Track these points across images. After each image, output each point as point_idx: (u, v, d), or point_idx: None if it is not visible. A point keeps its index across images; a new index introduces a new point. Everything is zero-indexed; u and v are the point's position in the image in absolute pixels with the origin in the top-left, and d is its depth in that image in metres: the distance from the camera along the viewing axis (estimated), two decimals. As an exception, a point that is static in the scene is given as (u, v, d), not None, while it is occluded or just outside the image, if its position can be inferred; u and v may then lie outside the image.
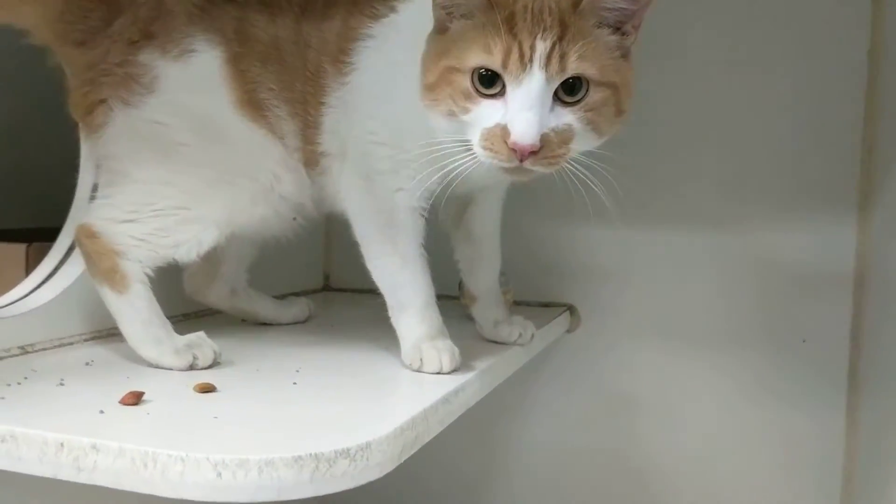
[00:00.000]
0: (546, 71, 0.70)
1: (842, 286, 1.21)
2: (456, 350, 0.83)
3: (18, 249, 1.00)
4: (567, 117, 0.73)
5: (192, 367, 0.81)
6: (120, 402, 0.67)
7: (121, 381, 0.75)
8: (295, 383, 0.77)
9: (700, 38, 1.26)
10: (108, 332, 0.95)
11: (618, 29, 0.76)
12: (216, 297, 1.07)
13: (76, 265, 0.93)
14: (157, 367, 0.81)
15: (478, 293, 1.01)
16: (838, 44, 1.19)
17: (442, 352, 0.82)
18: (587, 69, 0.72)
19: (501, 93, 0.72)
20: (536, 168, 0.72)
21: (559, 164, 0.73)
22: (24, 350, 0.85)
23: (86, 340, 0.92)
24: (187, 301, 1.07)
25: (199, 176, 0.88)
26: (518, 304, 1.29)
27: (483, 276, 1.01)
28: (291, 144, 0.90)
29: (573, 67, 0.71)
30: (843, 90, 1.19)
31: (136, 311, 0.83)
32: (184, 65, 0.87)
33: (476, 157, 0.73)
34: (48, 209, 1.33)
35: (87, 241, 0.84)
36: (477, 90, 0.73)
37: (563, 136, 0.72)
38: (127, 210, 0.86)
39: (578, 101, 0.73)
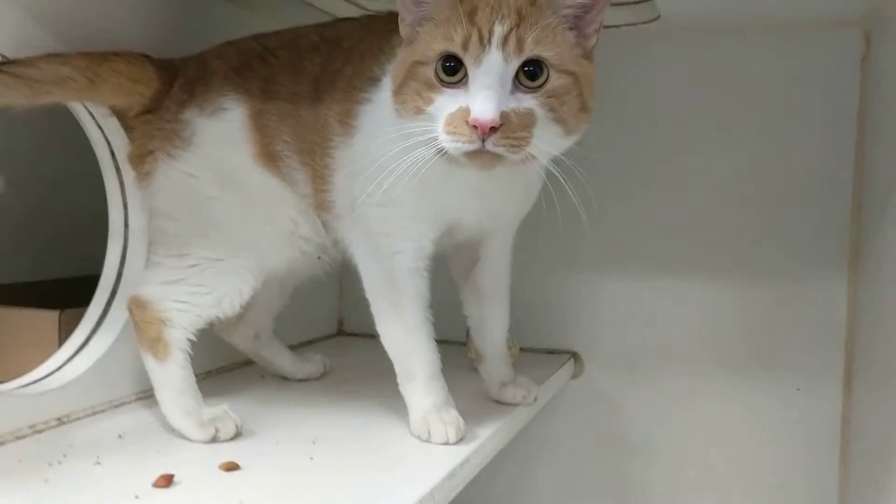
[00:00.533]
0: (503, 51, 0.73)
1: (834, 337, 1.27)
2: (461, 421, 0.89)
3: (51, 317, 1.06)
4: (528, 101, 0.75)
5: (213, 440, 0.87)
6: (153, 486, 0.73)
7: (152, 457, 0.82)
8: (312, 458, 0.83)
9: (695, 100, 1.31)
10: (135, 398, 1.02)
11: (577, 28, 0.79)
12: (240, 338, 1.13)
13: (108, 334, 0.99)
14: (181, 436, 0.87)
15: (485, 353, 1.06)
16: (829, 108, 1.25)
17: (448, 425, 0.87)
18: (544, 52, 0.75)
19: (464, 82, 0.75)
20: (499, 150, 0.73)
21: (522, 147, 0.74)
22: (60, 421, 0.91)
23: (116, 407, 0.99)
24: (212, 357, 1.14)
25: (228, 227, 0.94)
26: (524, 351, 1.35)
27: (492, 336, 1.05)
28: (301, 191, 0.96)
29: (530, 49, 0.74)
30: (834, 152, 1.25)
31: (173, 379, 0.90)
32: (216, 121, 0.94)
33: (440, 146, 0.75)
34: (79, 259, 1.41)
35: (137, 311, 0.92)
36: (440, 80, 0.76)
37: (524, 119, 0.74)
38: (168, 268, 0.93)
39: (539, 88, 0.75)
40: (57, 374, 0.95)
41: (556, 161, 0.81)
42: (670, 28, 1.25)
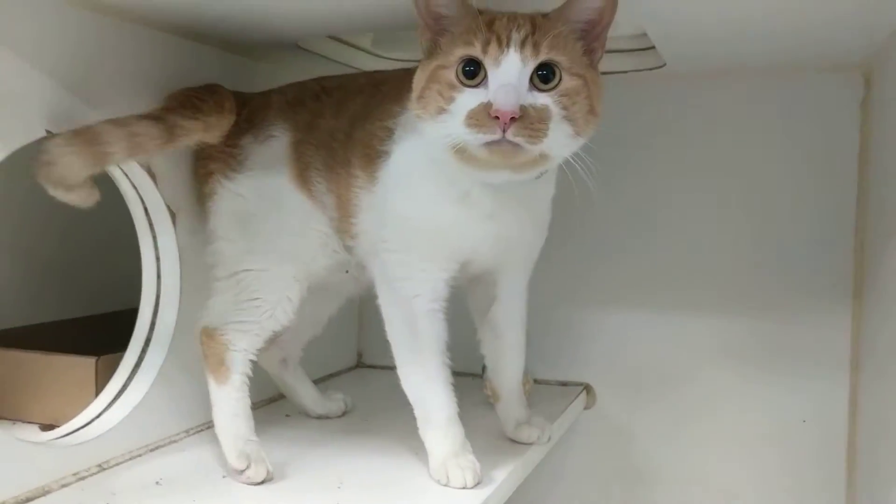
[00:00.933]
0: (521, 53, 0.79)
1: (839, 369, 1.30)
2: (477, 466, 0.93)
3: (88, 363, 1.12)
4: (544, 99, 0.80)
5: (241, 473, 0.93)
6: (192, 537, 0.78)
7: (189, 504, 0.87)
8: (338, 503, 0.88)
9: (700, 141, 1.37)
10: (169, 441, 1.07)
11: (585, 42, 0.85)
12: (268, 360, 1.17)
13: (144, 381, 1.05)
14: (224, 454, 0.95)
15: (502, 392, 1.10)
16: (831, 148, 1.29)
17: (465, 470, 0.92)
18: (557, 56, 0.81)
19: (484, 82, 0.80)
20: (518, 139, 0.78)
21: (539, 139, 0.79)
22: (101, 468, 0.97)
23: (151, 451, 1.04)
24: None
25: (270, 240, 1.03)
26: (538, 383, 1.40)
27: (508, 375, 1.10)
28: (330, 213, 1.03)
29: (545, 53, 0.80)
30: (836, 191, 1.29)
31: (229, 403, 0.99)
32: (265, 147, 1.04)
33: (465, 142, 0.80)
34: (108, 295, 1.47)
35: (205, 340, 1.01)
36: (461, 81, 0.81)
37: (541, 113, 0.79)
38: (224, 290, 1.03)
39: (553, 88, 0.81)
40: (96, 422, 1.00)
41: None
42: (674, 73, 1.30)
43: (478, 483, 0.93)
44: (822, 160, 1.30)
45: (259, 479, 0.93)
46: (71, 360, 1.14)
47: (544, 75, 0.81)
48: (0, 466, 0.85)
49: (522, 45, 0.80)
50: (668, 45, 1.14)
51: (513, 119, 0.77)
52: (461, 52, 0.81)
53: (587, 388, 1.44)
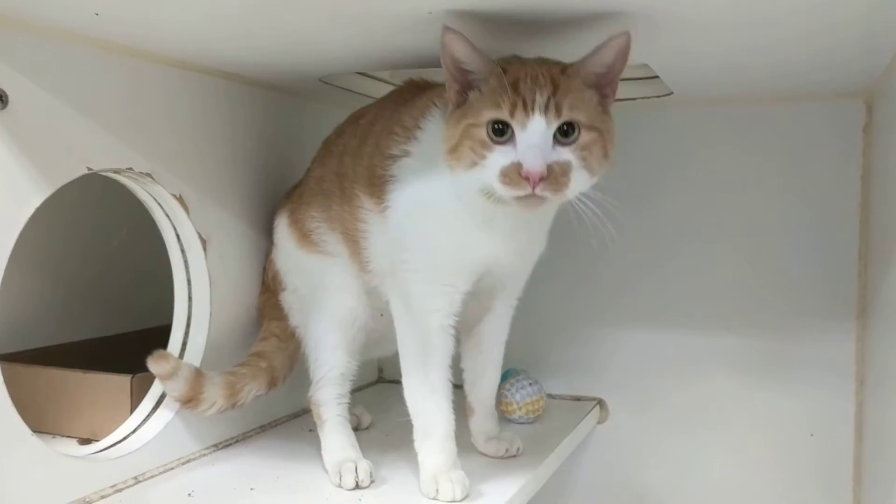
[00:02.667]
0: (545, 116, 0.87)
1: (845, 385, 1.34)
2: (467, 482, 0.98)
3: (123, 381, 1.18)
4: (566, 154, 0.88)
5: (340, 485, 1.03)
6: (223, 546, 0.84)
7: (219, 516, 0.93)
8: (359, 515, 0.94)
9: (708, 167, 1.41)
10: (199, 455, 1.14)
11: (598, 90, 0.92)
12: None
13: (174, 401, 1.11)
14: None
15: (476, 406, 1.16)
16: (834, 173, 1.34)
17: (455, 484, 0.97)
18: (577, 115, 0.88)
19: (511, 140, 0.88)
20: (546, 194, 0.87)
21: (563, 191, 0.88)
22: (136, 480, 1.03)
23: (183, 464, 1.11)
24: (263, 412, 1.25)
25: (313, 309, 1.14)
26: (552, 398, 1.45)
27: (484, 389, 1.16)
28: (342, 256, 1.11)
29: (566, 114, 0.87)
30: (840, 215, 1.34)
31: (330, 440, 1.10)
32: (276, 231, 1.20)
33: (497, 193, 0.88)
34: (143, 313, 1.54)
35: (314, 409, 1.14)
36: (491, 139, 0.88)
37: (564, 168, 0.88)
38: (311, 361, 1.15)
39: (573, 142, 0.89)
40: (132, 437, 1.07)
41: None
42: (682, 100, 1.35)
43: (466, 496, 0.97)
44: (826, 184, 1.34)
45: (350, 486, 1.02)
46: (107, 378, 1.20)
47: (565, 131, 0.89)
48: (44, 479, 0.91)
49: (546, 107, 0.87)
50: (672, 75, 1.19)
51: (541, 178, 0.85)
52: (490, 114, 0.88)
53: (600, 403, 1.48)
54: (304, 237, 1.15)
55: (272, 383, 1.18)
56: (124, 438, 1.07)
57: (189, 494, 1.00)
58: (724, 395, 1.42)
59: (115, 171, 1.02)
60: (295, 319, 1.19)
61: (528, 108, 0.87)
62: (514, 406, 1.31)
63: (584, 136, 0.89)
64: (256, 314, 1.25)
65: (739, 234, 1.40)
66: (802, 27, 0.91)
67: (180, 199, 1.09)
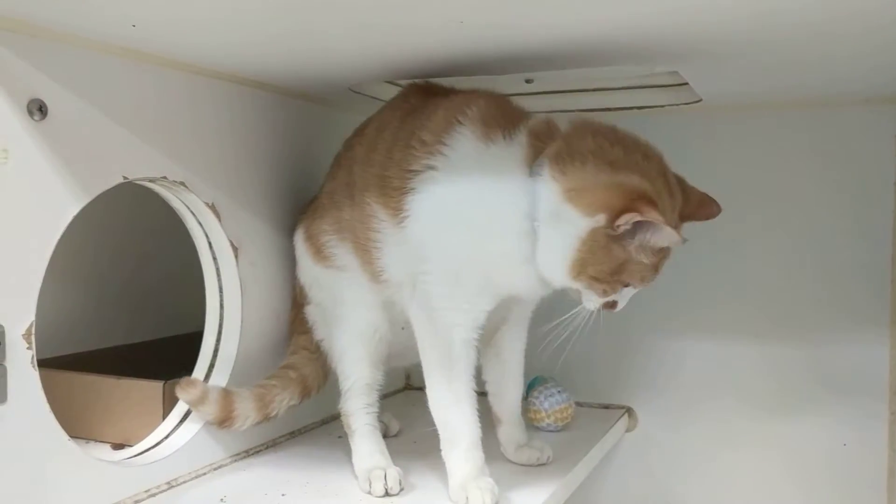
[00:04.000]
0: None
1: (878, 395, 1.33)
2: (496, 488, 0.98)
3: (156, 387, 1.19)
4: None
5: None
6: (256, 551, 0.85)
7: (251, 521, 0.94)
8: (390, 523, 0.95)
9: (739, 174, 1.40)
10: (231, 460, 1.15)
11: None
12: None
13: (207, 405, 1.12)
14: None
15: (503, 416, 1.17)
16: (865, 179, 1.33)
17: (484, 491, 0.97)
18: None
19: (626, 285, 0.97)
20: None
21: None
22: (170, 485, 1.04)
23: (215, 469, 1.12)
24: (295, 419, 1.26)
25: (336, 324, 1.16)
26: (580, 406, 1.44)
27: (509, 398, 1.16)
28: (354, 268, 1.12)
29: None
30: (872, 220, 1.33)
31: (360, 448, 1.11)
32: (297, 249, 1.21)
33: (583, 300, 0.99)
34: (172, 319, 1.56)
35: (343, 419, 1.15)
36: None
37: None
38: (338, 373, 1.16)
39: None
40: (165, 443, 1.08)
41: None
42: (711, 107, 1.34)
43: None
44: (858, 191, 1.33)
45: (379, 494, 1.03)
46: (140, 383, 1.21)
47: None
48: (80, 484, 0.93)
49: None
50: (702, 83, 1.19)
51: None
52: (637, 285, 0.98)
53: (629, 412, 1.48)
54: (318, 252, 1.16)
55: (305, 392, 1.20)
56: (157, 444, 1.08)
57: (221, 500, 1.01)
58: (754, 404, 1.41)
59: (150, 181, 1.03)
60: (319, 333, 1.21)
61: (653, 280, 0.97)
62: (543, 414, 1.31)
63: None
64: (287, 326, 1.26)
65: (770, 243, 1.39)
66: (836, 33, 0.91)
67: (213, 207, 1.10)
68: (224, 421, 1.10)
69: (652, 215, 0.88)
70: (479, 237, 0.98)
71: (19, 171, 0.85)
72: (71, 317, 1.46)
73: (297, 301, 1.24)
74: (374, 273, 1.09)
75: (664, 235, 0.91)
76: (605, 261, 0.93)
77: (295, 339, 1.24)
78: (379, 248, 1.07)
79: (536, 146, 0.98)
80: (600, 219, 0.90)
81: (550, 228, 0.94)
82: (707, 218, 1.04)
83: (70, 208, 0.90)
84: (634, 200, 0.89)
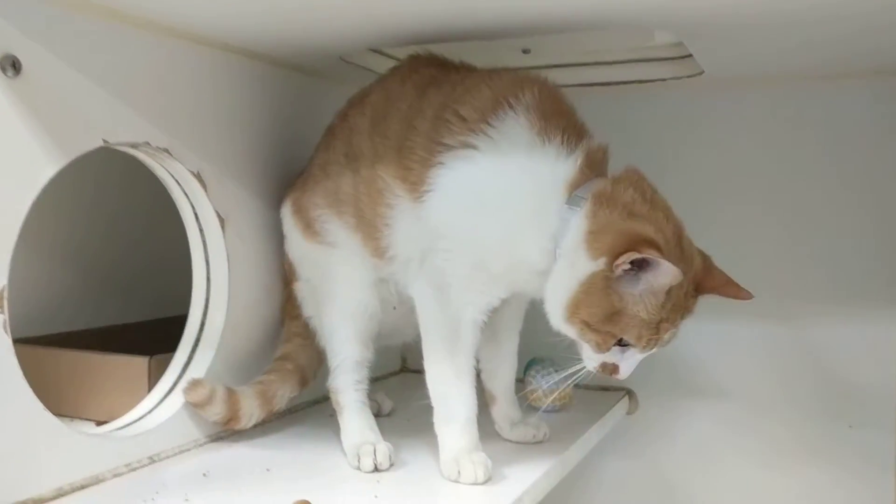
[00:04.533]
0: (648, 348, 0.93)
1: (885, 376, 1.29)
2: (489, 463, 0.96)
3: (141, 362, 1.17)
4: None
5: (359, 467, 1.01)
6: (236, 523, 0.82)
7: (233, 494, 0.91)
8: (376, 496, 0.91)
9: (742, 147, 1.37)
10: (216, 437, 1.12)
11: None
12: None
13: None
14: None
15: (497, 393, 1.14)
16: (875, 152, 1.29)
17: (477, 465, 0.94)
18: None
19: (624, 344, 0.92)
20: None
21: None
22: (151, 460, 1.01)
23: (199, 446, 1.08)
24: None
25: (325, 300, 1.13)
26: (578, 388, 1.40)
27: (503, 377, 1.14)
28: (348, 244, 1.09)
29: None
30: (882, 193, 1.29)
31: (349, 424, 1.08)
32: (285, 223, 1.18)
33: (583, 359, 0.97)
34: (162, 301, 1.53)
35: (332, 396, 1.11)
36: (616, 342, 0.92)
37: None
38: (327, 351, 1.14)
39: None
40: (148, 417, 1.05)
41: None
42: (713, 80, 1.30)
43: (488, 479, 0.94)
44: (867, 167, 1.29)
45: (368, 469, 0.99)
46: (125, 359, 1.19)
47: None
48: (56, 455, 0.90)
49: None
50: (706, 54, 1.15)
51: None
52: (631, 340, 0.92)
53: (629, 394, 1.44)
54: (308, 227, 1.13)
55: (303, 382, 1.18)
56: (140, 418, 1.05)
57: (204, 474, 0.98)
58: (757, 387, 1.37)
59: (132, 146, 1.00)
60: (308, 310, 1.18)
61: (653, 345, 0.92)
62: (541, 393, 1.27)
63: None
64: (279, 307, 1.24)
65: (774, 221, 1.35)
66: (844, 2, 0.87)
67: (198, 177, 1.07)
68: (231, 420, 1.09)
69: (650, 252, 0.85)
70: (507, 232, 0.96)
71: (-9, 128, 0.82)
72: (57, 296, 1.44)
73: (287, 281, 1.21)
74: (377, 249, 1.06)
75: (663, 271, 0.86)
76: (599, 304, 0.89)
77: (287, 324, 1.21)
78: (389, 225, 1.03)
79: (585, 173, 0.94)
80: (601, 262, 0.88)
81: (565, 263, 0.92)
82: (734, 297, 1.00)
83: (46, 169, 0.87)
84: (637, 242, 0.86)
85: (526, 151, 0.95)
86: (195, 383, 1.07)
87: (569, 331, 0.93)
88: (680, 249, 0.92)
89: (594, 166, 0.95)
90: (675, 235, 0.92)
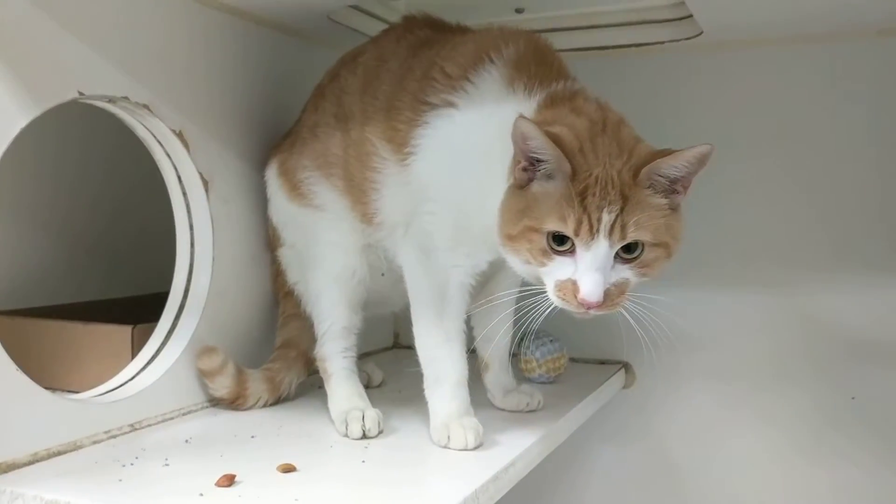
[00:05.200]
0: (609, 238, 0.81)
1: (889, 347, 1.26)
2: (480, 428, 0.92)
3: (125, 331, 1.13)
4: (625, 272, 0.84)
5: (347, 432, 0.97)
6: (216, 485, 0.78)
7: (216, 459, 0.88)
8: (364, 462, 0.88)
9: (743, 114, 1.33)
10: (201, 406, 1.08)
11: (671, 188, 0.85)
12: None
13: (176, 347, 1.06)
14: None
15: (491, 362, 1.10)
16: (878, 116, 1.25)
17: (468, 430, 0.91)
18: (642, 235, 0.83)
19: (571, 250, 0.83)
20: (605, 310, 0.84)
21: (618, 308, 0.85)
22: (133, 427, 0.98)
23: (183, 415, 1.05)
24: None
25: (310, 265, 1.10)
26: (575, 362, 1.37)
27: (497, 342, 1.09)
28: (335, 208, 1.06)
29: (631, 235, 0.82)
30: (886, 162, 1.25)
31: (337, 392, 1.05)
32: (269, 186, 1.15)
33: (551, 301, 0.85)
34: (148, 277, 1.50)
35: (319, 364, 1.09)
36: (552, 248, 0.83)
37: (621, 288, 0.84)
38: (314, 317, 1.10)
39: (635, 258, 0.84)
40: (130, 384, 1.02)
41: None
42: (712, 42, 1.27)
43: (479, 445, 0.91)
44: (872, 130, 1.25)
45: (356, 436, 0.96)
46: (108, 328, 1.15)
47: (628, 247, 0.83)
48: (32, 419, 0.86)
49: (611, 229, 0.81)
50: (706, 12, 1.12)
51: (597, 304, 0.82)
52: (554, 226, 0.82)
53: (626, 367, 1.41)
54: (295, 189, 1.10)
55: (308, 365, 1.15)
56: (122, 385, 1.02)
57: (186, 441, 0.95)
58: (757, 358, 1.34)
59: (110, 100, 0.96)
60: (293, 276, 1.15)
61: (593, 230, 0.81)
62: (535, 364, 1.24)
63: (648, 253, 0.84)
64: (269, 279, 1.21)
65: (776, 187, 1.32)
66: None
67: (180, 136, 1.04)
68: (237, 398, 1.07)
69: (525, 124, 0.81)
70: (481, 188, 0.91)
71: (-42, 73, 0.78)
72: (41, 269, 1.40)
73: (272, 248, 1.18)
74: (365, 214, 1.03)
75: (523, 131, 0.81)
76: (512, 208, 0.85)
77: (283, 304, 1.18)
78: (376, 189, 1.01)
79: (544, 115, 0.90)
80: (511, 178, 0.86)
81: None
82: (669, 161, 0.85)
83: (18, 119, 0.83)
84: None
85: (495, 104, 0.92)
86: (208, 349, 1.05)
87: (511, 259, 0.88)
88: (600, 139, 0.85)
89: (554, 104, 0.91)
90: (588, 129, 0.86)
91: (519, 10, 1.19)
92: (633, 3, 1.22)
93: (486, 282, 1.06)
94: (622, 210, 0.81)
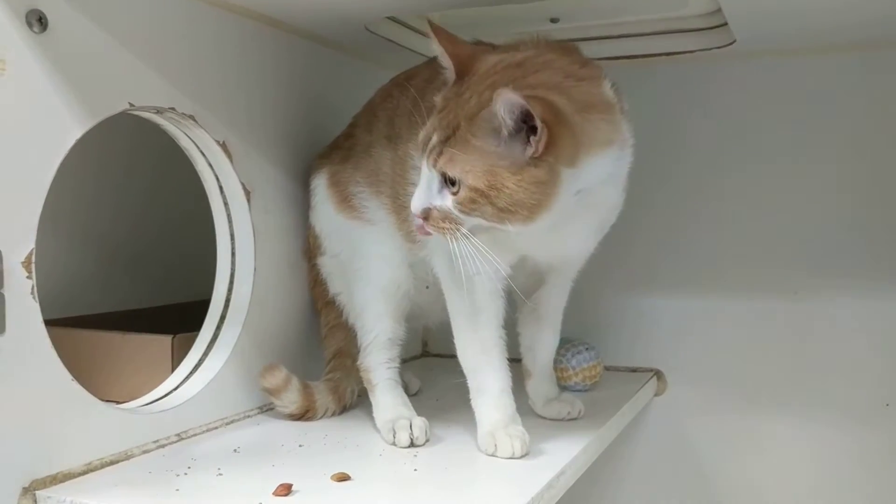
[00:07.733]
0: (428, 161, 0.84)
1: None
2: (526, 436, 0.93)
3: (164, 341, 1.14)
4: (448, 201, 0.84)
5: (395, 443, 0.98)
6: (273, 495, 0.79)
7: (268, 469, 0.88)
8: (416, 469, 0.88)
9: (771, 122, 1.33)
10: (244, 416, 1.09)
11: (522, 140, 0.80)
12: None
13: (219, 357, 1.06)
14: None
15: (533, 370, 1.11)
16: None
17: (514, 439, 0.92)
18: (451, 170, 0.82)
19: None
20: (432, 230, 0.86)
21: (449, 233, 0.85)
22: (179, 437, 0.98)
23: (227, 424, 1.05)
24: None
25: (357, 277, 1.10)
26: (608, 370, 1.37)
27: (541, 354, 1.11)
28: (383, 224, 1.07)
29: (440, 166, 0.83)
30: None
31: (382, 401, 1.05)
32: (313, 195, 1.15)
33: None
34: (190, 285, 1.50)
35: (363, 374, 1.09)
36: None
37: (444, 214, 0.85)
38: (357, 328, 1.11)
39: (455, 193, 0.83)
40: (175, 393, 1.02)
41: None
42: (744, 51, 1.27)
43: (526, 454, 0.92)
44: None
45: (403, 444, 0.96)
46: (147, 338, 1.15)
47: (450, 180, 0.84)
48: (86, 430, 0.87)
49: (430, 153, 0.84)
50: (742, 21, 1.12)
51: (420, 216, 0.85)
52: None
53: (658, 374, 1.41)
54: (345, 201, 1.10)
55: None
56: (167, 394, 1.02)
57: (235, 450, 0.95)
58: (788, 364, 1.34)
59: (158, 111, 0.97)
60: (335, 286, 1.15)
61: (425, 148, 0.85)
62: (571, 372, 1.25)
63: (463, 193, 0.82)
64: (309, 288, 1.21)
65: (806, 196, 1.32)
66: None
67: (224, 146, 1.04)
68: (306, 412, 1.08)
69: None
70: None
71: (19, 85, 0.79)
72: (79, 278, 1.41)
73: (311, 256, 1.18)
74: (409, 233, 1.03)
75: None
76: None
77: (324, 313, 1.19)
78: None
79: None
80: None
81: None
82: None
83: (73, 130, 0.84)
84: None
85: None
86: (270, 367, 1.06)
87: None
88: (504, 72, 0.85)
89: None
90: (500, 62, 0.87)
91: (554, 20, 1.20)
92: (668, 12, 1.23)
93: (532, 292, 1.07)
94: (447, 139, 0.83)
